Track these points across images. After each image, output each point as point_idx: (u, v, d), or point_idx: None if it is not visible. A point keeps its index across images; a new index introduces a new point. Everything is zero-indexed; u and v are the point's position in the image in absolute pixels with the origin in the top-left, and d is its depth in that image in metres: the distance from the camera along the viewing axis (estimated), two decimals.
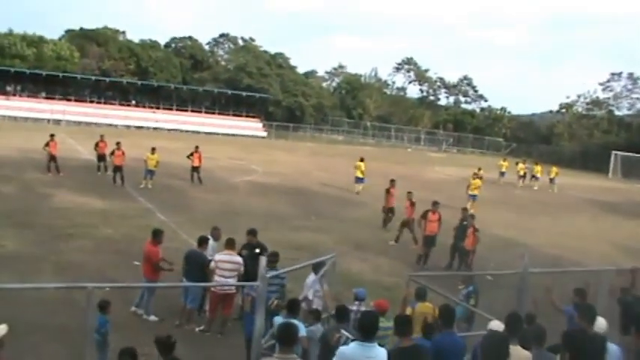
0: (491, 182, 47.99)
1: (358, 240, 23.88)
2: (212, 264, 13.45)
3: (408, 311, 11.52)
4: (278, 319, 10.27)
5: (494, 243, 24.09)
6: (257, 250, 13.77)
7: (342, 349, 7.68)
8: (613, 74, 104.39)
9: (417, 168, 57.04)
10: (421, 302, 11.73)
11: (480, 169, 46.36)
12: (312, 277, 12.61)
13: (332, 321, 10.86)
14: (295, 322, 9.07)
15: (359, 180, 37.22)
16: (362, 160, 38.23)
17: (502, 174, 51.63)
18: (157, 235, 14.24)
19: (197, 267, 13.61)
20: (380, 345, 7.69)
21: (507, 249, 23.85)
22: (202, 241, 14.36)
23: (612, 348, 8.36)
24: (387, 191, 27.25)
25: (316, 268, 12.65)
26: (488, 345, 5.89)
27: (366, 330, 7.55)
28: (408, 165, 58.23)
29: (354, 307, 11.03)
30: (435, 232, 21.42)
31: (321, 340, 9.51)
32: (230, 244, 13.84)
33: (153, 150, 32.31)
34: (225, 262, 13.40)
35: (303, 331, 9.36)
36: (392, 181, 27.66)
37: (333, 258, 12.90)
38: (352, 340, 9.11)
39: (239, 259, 13.59)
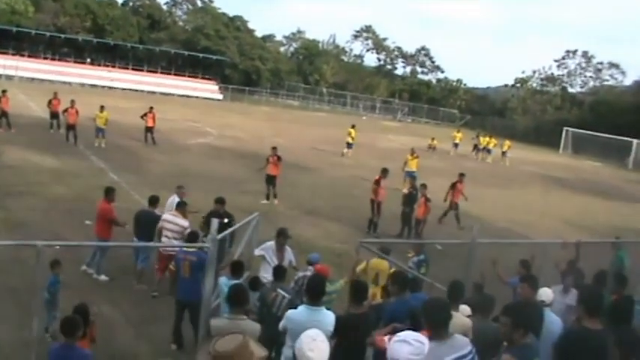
0: (444, 153, 48.58)
1: (311, 206, 24.01)
2: (160, 224, 13.46)
3: (362, 265, 11.69)
4: (223, 280, 10.34)
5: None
6: (225, 221, 13.55)
7: (290, 313, 7.76)
8: (568, 52, 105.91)
9: (371, 136, 57.12)
10: (378, 258, 11.89)
11: (433, 139, 47.17)
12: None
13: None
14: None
15: (349, 145, 40.56)
16: (353, 126, 41.51)
17: (455, 145, 52.15)
18: (109, 192, 14.20)
19: (148, 227, 13.57)
20: (327, 309, 7.81)
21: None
22: (153, 201, 14.31)
23: (553, 318, 8.57)
24: (453, 185, 24.17)
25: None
26: (431, 309, 5.98)
27: (314, 293, 7.67)
28: (362, 133, 58.00)
29: (308, 272, 11.02)
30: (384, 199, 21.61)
31: (260, 299, 9.61)
32: (180, 207, 13.99)
33: (102, 108, 32.11)
34: (169, 222, 13.44)
35: None
36: (461, 174, 25.04)
37: (257, 218, 12.98)
38: (289, 300, 9.29)
39: (184, 222, 13.51)
